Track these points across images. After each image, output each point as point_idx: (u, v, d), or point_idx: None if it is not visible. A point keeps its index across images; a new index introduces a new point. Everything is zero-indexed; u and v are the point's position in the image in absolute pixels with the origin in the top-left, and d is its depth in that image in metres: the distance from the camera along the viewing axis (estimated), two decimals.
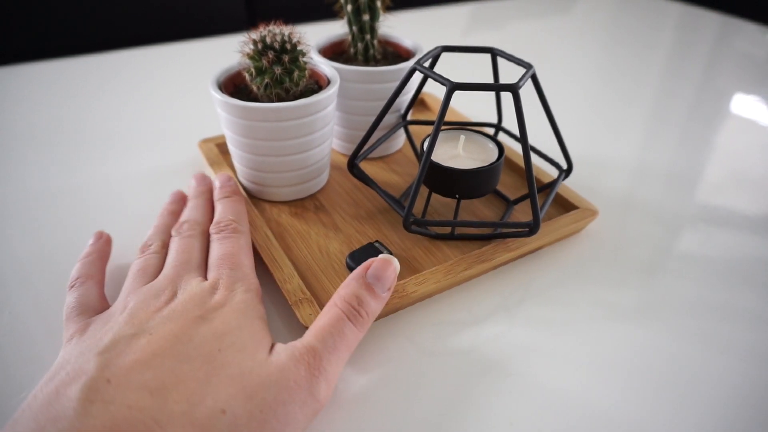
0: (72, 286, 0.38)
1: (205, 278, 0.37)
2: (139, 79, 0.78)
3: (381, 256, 0.37)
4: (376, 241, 0.46)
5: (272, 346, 0.33)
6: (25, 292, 0.43)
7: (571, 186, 0.54)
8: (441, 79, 0.41)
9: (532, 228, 0.44)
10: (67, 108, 0.69)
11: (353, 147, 0.57)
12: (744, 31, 1.04)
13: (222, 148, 0.57)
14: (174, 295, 0.35)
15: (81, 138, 0.63)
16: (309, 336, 0.33)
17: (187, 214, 0.44)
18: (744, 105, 0.77)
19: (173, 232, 0.42)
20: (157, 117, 0.68)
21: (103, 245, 0.44)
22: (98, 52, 0.85)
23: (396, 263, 0.37)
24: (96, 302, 0.37)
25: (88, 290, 0.38)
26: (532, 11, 1.15)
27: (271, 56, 0.44)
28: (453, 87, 0.40)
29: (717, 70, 0.89)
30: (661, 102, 0.78)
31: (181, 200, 0.48)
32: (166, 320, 0.32)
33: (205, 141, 0.58)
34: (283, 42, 0.45)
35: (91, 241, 0.44)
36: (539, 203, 0.50)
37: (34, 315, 0.41)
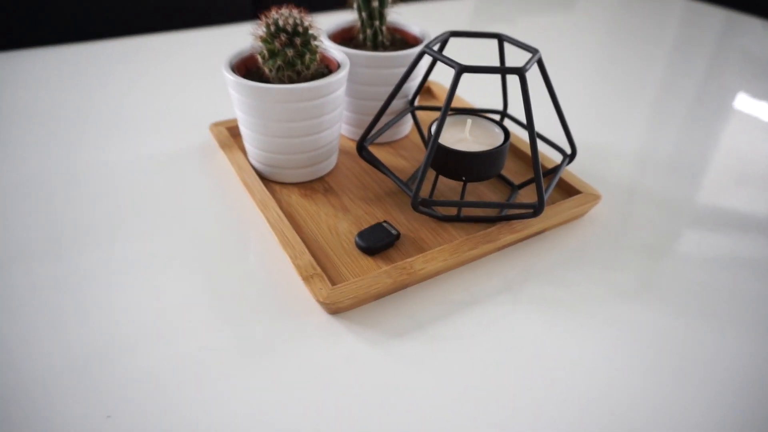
0: None
1: None
2: (149, 65, 0.79)
3: None
4: (384, 221, 0.47)
5: None
6: (33, 270, 0.44)
7: (574, 172, 0.55)
8: (450, 62, 0.42)
9: (536, 209, 0.45)
10: (78, 93, 0.70)
11: (361, 132, 0.58)
12: (748, 26, 1.04)
13: (232, 131, 0.58)
14: None
15: (92, 122, 0.64)
16: None
17: None
18: (746, 100, 0.78)
19: None
20: (167, 102, 0.69)
21: None
22: (109, 39, 0.86)
23: None
24: None
25: None
26: (536, 6, 1.16)
27: (283, 38, 0.46)
28: (461, 69, 0.41)
29: (720, 65, 0.90)
30: (664, 95, 0.79)
31: None
32: None
33: (216, 124, 0.59)
34: (295, 25, 0.46)
35: None
36: (544, 186, 0.51)
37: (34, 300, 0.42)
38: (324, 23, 0.55)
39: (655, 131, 0.69)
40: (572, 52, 0.93)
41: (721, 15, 1.09)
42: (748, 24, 1.05)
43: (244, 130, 0.51)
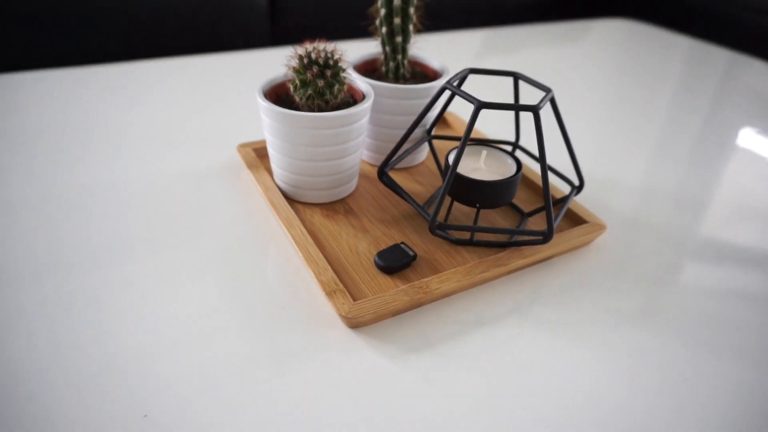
0: None
1: None
2: (177, 87, 0.83)
3: None
4: (402, 242, 0.50)
5: None
6: (64, 285, 0.47)
7: (581, 202, 0.58)
8: (470, 98, 0.45)
9: (546, 236, 0.48)
10: (114, 112, 0.74)
11: (380, 158, 0.61)
12: (751, 67, 1.09)
13: (259, 152, 0.61)
14: None
15: (123, 140, 0.68)
16: None
17: None
18: (749, 138, 0.82)
19: None
20: (195, 123, 0.73)
21: None
22: (142, 60, 0.90)
23: None
24: None
25: None
26: (544, 39, 1.20)
27: (315, 70, 0.49)
28: (480, 105, 0.44)
29: (724, 103, 0.93)
30: (668, 131, 0.82)
31: None
32: None
33: (243, 145, 0.62)
34: (327, 58, 0.50)
35: None
36: (553, 215, 0.54)
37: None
38: (350, 54, 0.58)
39: (660, 165, 0.72)
40: (579, 85, 0.96)
41: (724, 55, 1.13)
42: (750, 65, 1.09)
43: (272, 152, 0.54)
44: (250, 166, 0.59)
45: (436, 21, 1.43)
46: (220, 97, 0.80)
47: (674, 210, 0.62)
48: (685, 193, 0.66)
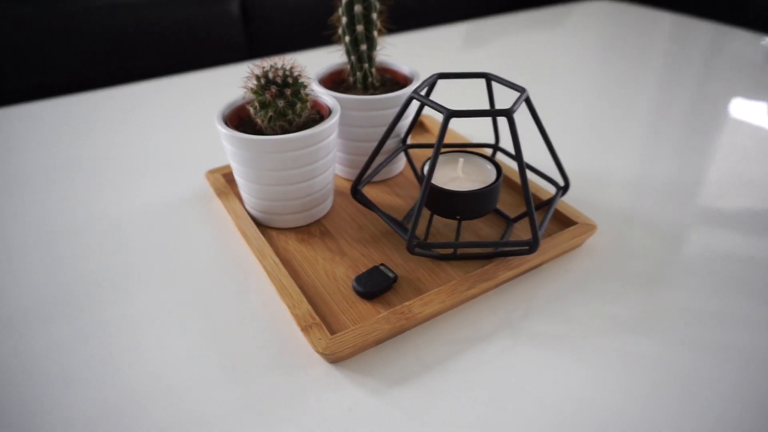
0: None
1: None
2: (142, 112, 0.81)
3: None
4: (382, 264, 0.47)
5: None
6: (35, 330, 0.44)
7: (569, 202, 0.55)
8: (438, 107, 0.43)
9: (531, 246, 0.45)
10: (71, 144, 0.71)
11: (355, 172, 0.58)
12: (735, 38, 1.06)
13: (228, 177, 0.59)
14: None
15: (86, 173, 0.65)
16: None
17: None
18: (739, 111, 0.79)
19: None
20: (162, 149, 0.70)
21: None
22: (99, 89, 0.87)
23: None
24: None
25: None
26: (526, 26, 1.17)
27: (273, 90, 0.46)
28: (450, 114, 0.42)
29: (711, 78, 0.90)
30: (655, 113, 0.79)
31: None
32: None
33: (212, 171, 0.60)
34: (285, 76, 0.47)
35: None
36: (538, 220, 0.51)
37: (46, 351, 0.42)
38: (313, 63, 0.56)
39: (649, 152, 0.69)
40: (562, 71, 0.93)
41: (709, 28, 1.10)
42: (735, 36, 1.06)
43: (239, 179, 0.51)
44: (220, 193, 0.56)
45: (415, 18, 1.41)
46: (190, 120, 0.78)
47: (668, 201, 0.59)
48: (679, 181, 0.63)
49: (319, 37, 0.96)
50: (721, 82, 0.89)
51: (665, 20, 1.17)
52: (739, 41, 1.05)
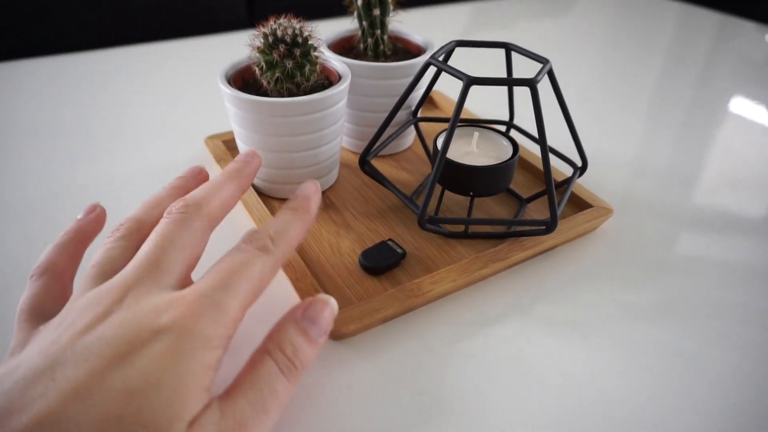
0: (30, 278, 0.31)
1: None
2: (143, 76, 0.77)
3: (319, 295, 0.31)
4: (389, 239, 0.45)
5: (197, 417, 0.25)
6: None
7: (584, 184, 0.53)
8: (458, 74, 0.40)
9: (549, 226, 0.43)
10: (71, 105, 0.68)
11: (361, 144, 0.56)
12: (743, 30, 1.03)
13: (229, 144, 0.56)
14: (112, 310, 0.25)
15: (84, 135, 0.62)
16: (238, 397, 0.27)
17: (198, 193, 0.32)
18: (750, 103, 0.77)
19: (165, 213, 0.31)
20: (161, 114, 0.67)
21: (90, 223, 0.34)
22: (101, 49, 0.84)
23: (334, 304, 0.31)
24: (51, 303, 0.29)
25: (44, 287, 0.30)
26: (532, 11, 1.14)
27: (282, 50, 0.43)
28: (470, 81, 0.39)
29: (715, 69, 0.88)
30: (666, 101, 0.77)
31: (197, 176, 0.37)
32: (80, 356, 0.23)
33: (212, 137, 0.57)
34: (295, 35, 0.44)
35: (78, 216, 0.34)
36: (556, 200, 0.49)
37: None
38: (323, 31, 0.53)
39: (664, 138, 0.67)
40: (568, 57, 0.91)
41: (714, 18, 1.08)
42: (743, 27, 1.04)
43: (240, 145, 0.48)
44: (220, 160, 0.54)
45: None
46: (190, 86, 0.74)
47: (685, 187, 0.57)
48: (696, 165, 0.61)
49: (326, 8, 0.93)
50: (725, 74, 0.87)
51: (672, 8, 1.14)
52: (745, 33, 1.02)
